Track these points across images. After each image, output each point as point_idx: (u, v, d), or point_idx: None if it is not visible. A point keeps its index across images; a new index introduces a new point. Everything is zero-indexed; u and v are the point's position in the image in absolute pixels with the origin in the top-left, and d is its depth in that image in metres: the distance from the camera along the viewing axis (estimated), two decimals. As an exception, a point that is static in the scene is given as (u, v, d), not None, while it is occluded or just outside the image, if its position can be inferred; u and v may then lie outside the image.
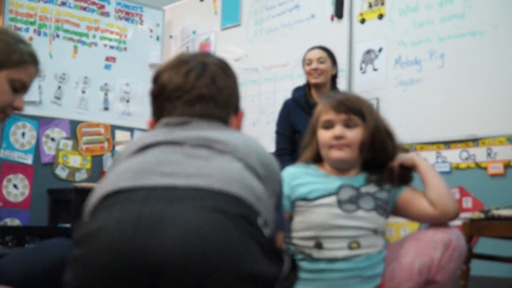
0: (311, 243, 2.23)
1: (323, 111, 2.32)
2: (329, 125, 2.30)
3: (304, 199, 2.24)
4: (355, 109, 2.26)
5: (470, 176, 4.40)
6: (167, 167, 1.44)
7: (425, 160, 2.50)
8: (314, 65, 4.42)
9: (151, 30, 6.67)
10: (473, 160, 4.38)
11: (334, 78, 4.54)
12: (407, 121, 4.74)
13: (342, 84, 5.16)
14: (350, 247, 2.21)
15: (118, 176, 1.46)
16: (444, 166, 4.51)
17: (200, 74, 1.66)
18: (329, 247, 2.21)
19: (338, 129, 2.26)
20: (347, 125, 2.27)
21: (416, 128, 4.70)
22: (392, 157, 2.33)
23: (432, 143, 4.61)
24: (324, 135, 2.31)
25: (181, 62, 1.70)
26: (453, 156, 4.49)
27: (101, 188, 1.46)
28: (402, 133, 4.62)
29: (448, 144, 4.52)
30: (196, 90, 1.65)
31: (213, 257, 1.25)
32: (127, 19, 6.49)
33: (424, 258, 2.21)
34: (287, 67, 5.66)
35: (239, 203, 1.37)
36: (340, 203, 2.24)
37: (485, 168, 4.32)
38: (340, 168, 2.34)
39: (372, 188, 2.31)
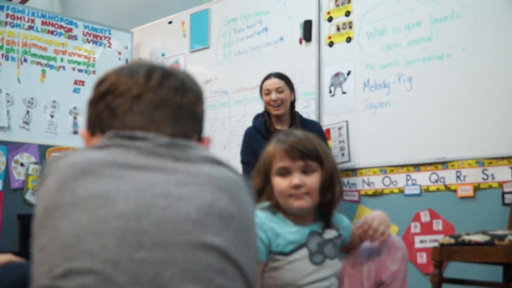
0: None
1: (277, 157, 2.19)
2: (284, 172, 2.17)
3: (281, 253, 2.15)
4: (312, 154, 2.14)
5: (440, 198, 4.41)
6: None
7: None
8: (273, 96, 4.37)
9: (119, 53, 6.60)
10: (443, 182, 4.39)
11: (292, 103, 4.52)
12: (377, 144, 4.75)
13: (311, 107, 5.17)
14: None
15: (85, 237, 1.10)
16: (414, 188, 4.51)
17: (166, 76, 1.33)
18: None
19: (296, 178, 2.13)
20: (304, 171, 2.15)
21: (386, 151, 4.70)
22: (340, 197, 2.26)
23: (402, 166, 4.61)
24: (280, 184, 2.17)
25: (138, 64, 1.35)
26: (423, 178, 4.49)
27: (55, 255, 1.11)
28: (372, 156, 4.72)
29: (417, 166, 4.53)
30: (161, 92, 1.30)
31: None
32: (95, 42, 6.42)
33: (369, 263, 2.30)
34: (257, 89, 5.57)
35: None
36: (310, 256, 2.20)
37: (454, 191, 4.33)
38: (300, 215, 2.24)
39: (330, 233, 2.28)
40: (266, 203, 2.23)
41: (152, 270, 1.07)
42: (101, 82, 1.33)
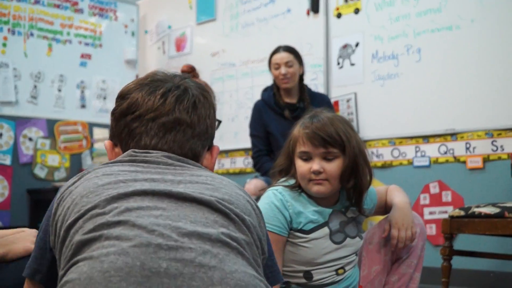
0: (300, 274, 2.23)
1: (300, 141, 2.19)
2: (306, 157, 2.17)
3: (301, 230, 2.18)
4: (334, 141, 2.13)
5: (449, 170, 4.41)
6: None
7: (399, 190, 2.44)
8: (283, 70, 4.34)
9: (126, 26, 6.59)
10: (452, 154, 4.39)
11: (301, 77, 4.50)
12: (386, 116, 4.75)
13: (319, 79, 5.16)
14: (337, 273, 2.25)
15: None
16: (423, 160, 4.52)
17: (180, 97, 1.45)
18: (318, 278, 2.23)
19: (316, 164, 2.14)
20: (326, 158, 2.15)
21: (395, 123, 4.70)
22: (369, 182, 2.24)
23: (411, 138, 4.61)
24: (302, 167, 2.18)
25: (157, 81, 1.48)
26: (432, 150, 4.49)
27: None
28: (381, 128, 4.71)
29: (427, 138, 4.53)
30: (174, 114, 1.43)
31: None
32: (101, 15, 6.40)
33: (387, 238, 2.31)
34: (264, 62, 5.56)
35: None
36: (331, 234, 2.21)
37: (464, 162, 4.33)
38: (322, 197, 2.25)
39: (353, 212, 2.29)
40: (292, 181, 2.24)
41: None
42: (123, 97, 1.47)
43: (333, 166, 2.14)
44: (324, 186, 2.16)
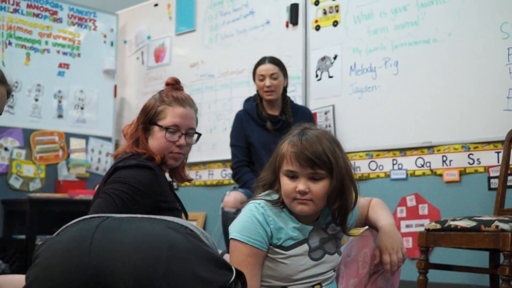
0: None
1: (287, 159, 2.14)
2: (292, 176, 2.12)
3: (280, 246, 2.14)
4: (322, 162, 2.08)
5: (426, 183, 4.41)
6: None
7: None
8: (267, 82, 4.32)
9: (105, 36, 6.53)
10: (429, 167, 4.38)
11: (285, 89, 4.47)
12: (363, 128, 4.74)
13: (298, 91, 5.15)
14: None
15: None
16: (400, 173, 4.51)
17: None
18: None
19: (302, 185, 2.09)
20: (312, 178, 2.10)
21: (372, 135, 4.69)
22: (355, 202, 2.20)
23: (388, 150, 4.61)
24: (287, 186, 2.13)
25: None
26: (409, 163, 4.49)
27: None
28: (358, 140, 4.71)
29: (404, 151, 4.52)
30: None
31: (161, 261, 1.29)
32: (80, 25, 6.34)
33: (365, 249, 2.30)
34: (243, 73, 5.59)
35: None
36: (310, 251, 2.18)
37: (440, 175, 4.33)
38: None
39: (334, 229, 2.25)
40: (275, 195, 2.20)
41: None
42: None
43: (319, 187, 2.10)
44: (308, 206, 2.12)
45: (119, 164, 2.45)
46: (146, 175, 2.42)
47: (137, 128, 2.61)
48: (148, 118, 2.61)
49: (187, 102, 2.63)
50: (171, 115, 2.57)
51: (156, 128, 2.58)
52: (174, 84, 2.69)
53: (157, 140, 2.57)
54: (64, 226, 1.60)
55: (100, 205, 2.29)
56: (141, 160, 2.47)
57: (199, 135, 2.70)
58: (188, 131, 2.61)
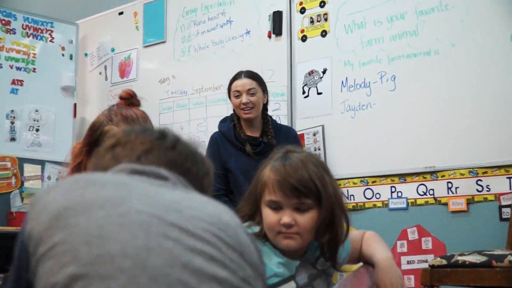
0: None
1: (269, 188, 2.11)
2: (276, 207, 2.10)
3: None
4: (309, 191, 2.06)
5: (429, 213, 4.39)
6: None
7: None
8: (244, 98, 4.26)
9: (63, 48, 6.50)
10: (432, 195, 4.37)
11: (265, 106, 4.42)
12: (357, 152, 4.73)
13: (282, 110, 5.13)
14: None
15: None
16: (399, 202, 4.50)
17: (179, 141, 1.50)
18: None
19: (287, 217, 2.07)
20: (298, 208, 2.08)
21: (367, 160, 4.68)
22: (346, 234, 2.19)
23: (386, 176, 4.59)
24: (270, 218, 2.11)
25: (149, 127, 1.59)
26: (410, 190, 4.47)
27: None
28: (352, 165, 4.68)
29: (403, 177, 4.50)
30: (174, 154, 1.45)
31: None
32: (35, 36, 6.31)
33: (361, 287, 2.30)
34: (220, 89, 5.55)
35: None
36: None
37: (445, 204, 4.31)
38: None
39: (323, 264, 2.24)
40: (256, 228, 2.17)
41: (184, 256, 1.14)
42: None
43: (306, 219, 2.07)
44: (295, 241, 2.10)
45: None
46: None
47: (81, 150, 2.49)
48: (93, 139, 2.48)
49: (137, 122, 2.52)
50: None
51: None
52: (128, 99, 2.58)
53: None
54: None
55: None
56: None
57: None
58: None
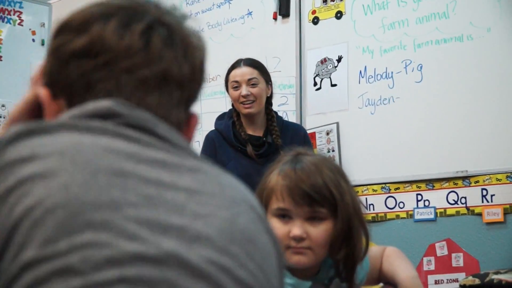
0: None
1: (277, 194, 2.08)
2: (284, 216, 2.07)
3: None
4: (323, 199, 2.03)
5: (460, 225, 4.41)
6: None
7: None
8: (244, 90, 4.23)
9: (33, 32, 6.54)
10: (464, 204, 4.40)
11: (269, 100, 4.41)
12: (377, 153, 4.75)
13: (290, 105, 5.15)
14: None
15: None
16: (427, 212, 4.52)
17: (170, 37, 1.24)
18: None
19: (297, 228, 2.03)
20: (311, 218, 2.05)
21: (389, 162, 4.70)
22: (365, 250, 2.16)
23: (411, 182, 4.62)
24: (277, 230, 2.03)
25: (128, 10, 1.23)
26: (439, 199, 4.49)
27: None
28: (371, 169, 4.71)
29: (431, 183, 4.54)
30: (162, 64, 1.21)
31: None
32: (1, 19, 6.35)
33: None
34: (217, 81, 5.56)
35: None
36: None
37: (479, 215, 4.34)
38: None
39: (338, 285, 2.22)
40: None
41: None
42: (78, 29, 1.21)
43: (320, 231, 2.05)
44: (307, 257, 2.07)
45: None
46: None
47: None
48: None
49: None
50: None
51: None
52: None
53: None
54: None
55: None
56: None
57: None
58: None
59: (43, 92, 1.25)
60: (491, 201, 4.30)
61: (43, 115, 1.28)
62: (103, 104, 1.15)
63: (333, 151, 4.89)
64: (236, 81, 4.26)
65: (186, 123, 1.30)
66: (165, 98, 1.22)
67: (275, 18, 5.39)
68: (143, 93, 1.20)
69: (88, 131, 1.11)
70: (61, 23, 1.25)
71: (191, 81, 1.25)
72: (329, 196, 2.04)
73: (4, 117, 6.25)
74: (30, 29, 6.52)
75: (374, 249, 2.40)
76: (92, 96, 1.18)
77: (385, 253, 2.42)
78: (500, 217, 4.26)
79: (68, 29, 1.23)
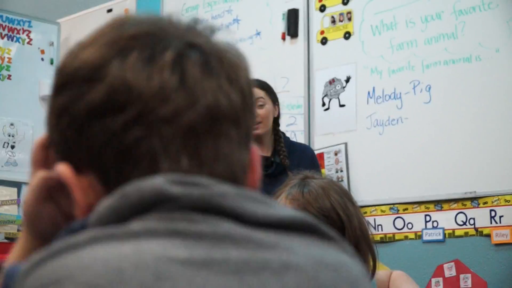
0: None
1: None
2: None
3: None
4: (332, 223, 2.02)
5: (469, 246, 4.40)
6: None
7: None
8: None
9: (42, 51, 6.53)
10: (473, 225, 4.39)
11: (276, 120, 4.38)
12: (385, 173, 4.74)
13: (298, 125, 5.15)
14: None
15: None
16: (435, 233, 4.51)
17: (204, 67, 0.90)
18: None
19: None
20: None
21: (397, 183, 4.69)
22: (373, 273, 2.17)
23: (419, 203, 4.61)
24: None
25: (151, 44, 0.89)
26: (447, 220, 4.49)
27: None
28: (379, 190, 4.70)
29: (439, 204, 4.53)
30: (207, 100, 0.88)
31: None
32: (10, 38, 6.35)
33: None
34: (226, 100, 5.58)
35: None
36: None
37: (488, 236, 4.33)
38: None
39: None
40: None
41: None
42: (88, 79, 0.88)
43: None
44: None
45: None
46: None
47: None
48: None
49: None
50: None
51: None
52: None
53: None
54: None
55: None
56: None
57: None
58: None
59: (63, 170, 0.89)
60: (500, 222, 4.29)
61: (61, 195, 0.94)
62: (151, 185, 0.82)
63: (341, 171, 4.89)
64: None
65: (249, 163, 0.98)
66: (222, 144, 0.90)
67: (283, 39, 5.40)
68: (193, 146, 0.88)
69: (130, 237, 0.78)
70: (62, 72, 0.92)
71: (243, 110, 0.93)
72: (336, 220, 2.05)
73: (13, 136, 6.26)
74: (39, 48, 6.52)
75: (381, 273, 2.39)
76: (132, 165, 0.87)
77: (392, 277, 2.40)
78: (508, 238, 4.25)
79: (75, 80, 0.90)
